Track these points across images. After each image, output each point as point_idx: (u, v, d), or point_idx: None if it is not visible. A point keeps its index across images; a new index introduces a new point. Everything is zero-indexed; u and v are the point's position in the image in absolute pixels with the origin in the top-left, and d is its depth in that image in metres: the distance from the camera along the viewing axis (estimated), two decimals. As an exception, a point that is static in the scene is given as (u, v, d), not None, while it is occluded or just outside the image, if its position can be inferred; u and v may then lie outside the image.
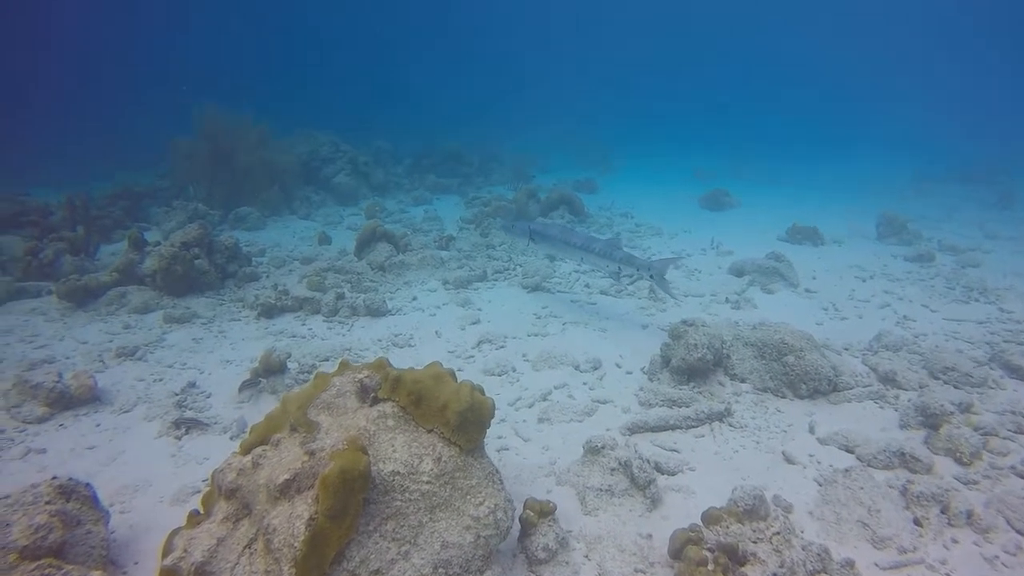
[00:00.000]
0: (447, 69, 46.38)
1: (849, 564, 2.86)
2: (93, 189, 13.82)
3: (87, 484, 3.30)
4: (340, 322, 6.96)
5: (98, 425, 4.79)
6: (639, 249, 10.33)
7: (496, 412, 4.99)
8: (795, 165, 22.26)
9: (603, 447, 3.95)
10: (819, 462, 4.18)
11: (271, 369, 5.23)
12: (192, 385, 5.44)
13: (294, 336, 6.58)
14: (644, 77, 50.23)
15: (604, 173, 20.85)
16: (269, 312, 7.12)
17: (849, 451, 4.28)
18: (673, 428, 4.78)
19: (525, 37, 55.58)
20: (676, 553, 3.05)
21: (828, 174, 20.41)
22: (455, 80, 42.77)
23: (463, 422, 2.97)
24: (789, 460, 4.21)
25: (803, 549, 2.88)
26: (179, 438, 4.59)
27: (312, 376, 3.51)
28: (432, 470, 2.88)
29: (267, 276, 8.62)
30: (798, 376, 5.12)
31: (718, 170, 20.90)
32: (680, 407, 5.07)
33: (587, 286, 8.26)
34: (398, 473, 2.83)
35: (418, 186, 16.26)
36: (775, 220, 12.71)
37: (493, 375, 5.70)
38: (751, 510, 3.45)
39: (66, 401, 4.92)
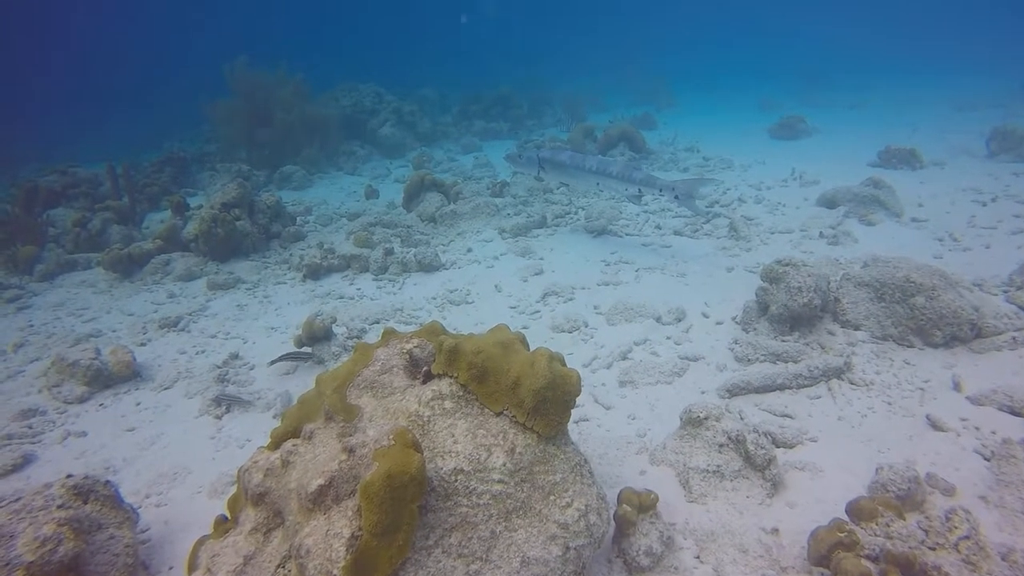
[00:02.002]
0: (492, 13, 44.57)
1: (1072, 578, 2.12)
2: (142, 159, 13.71)
3: (107, 482, 2.86)
4: (390, 280, 6.42)
5: (138, 404, 4.42)
6: (711, 184, 9.33)
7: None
8: (873, 89, 20.14)
9: (706, 418, 3.26)
10: (977, 428, 3.37)
11: (315, 336, 4.72)
12: (235, 357, 5.02)
13: (342, 297, 6.08)
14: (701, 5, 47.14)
15: (662, 108, 19.50)
16: (315, 273, 6.64)
17: (1016, 414, 3.43)
18: (782, 388, 4.03)
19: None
20: (820, 559, 2.37)
21: (912, 96, 18.35)
22: (501, 25, 41.12)
23: (541, 402, 2.33)
24: (936, 426, 3.41)
25: (1003, 559, 2.14)
26: (219, 417, 4.16)
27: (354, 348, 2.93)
28: (504, 465, 2.27)
29: (314, 235, 8.15)
30: (931, 320, 4.24)
31: (786, 99, 19.16)
32: (787, 362, 4.31)
33: (658, 227, 7.42)
34: (462, 471, 2.23)
35: (466, 133, 15.48)
36: (860, 145, 11.36)
37: (563, 332, 5.05)
38: (906, 496, 2.72)
39: (105, 379, 4.57)
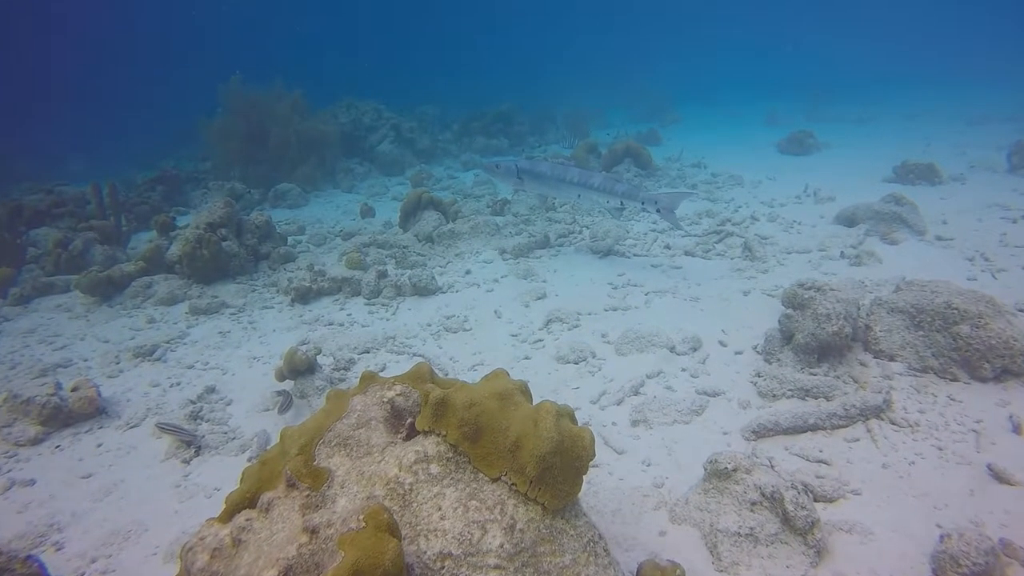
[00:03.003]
0: (494, 30, 44.77)
1: None
2: (139, 177, 13.36)
3: (28, 557, 2.44)
4: (383, 304, 6.01)
5: (99, 445, 4.00)
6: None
7: (576, 412, 3.95)
8: (879, 103, 19.86)
9: (734, 470, 2.84)
10: (1048, 480, 2.94)
11: (297, 369, 4.31)
12: (211, 391, 4.60)
13: (331, 324, 5.68)
14: (704, 20, 47.29)
15: (666, 124, 19.19)
16: (304, 297, 6.24)
17: (1091, 463, 3.01)
18: (814, 428, 3.60)
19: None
20: (889, 659, 1.94)
21: (919, 109, 18.03)
22: (502, 42, 41.22)
23: (547, 469, 1.92)
24: (1001, 478, 2.98)
25: None
26: (187, 461, 3.74)
27: (331, 394, 2.50)
28: (502, 547, 1.85)
29: (306, 255, 7.77)
30: (978, 352, 3.82)
31: (792, 114, 18.87)
32: (817, 398, 3.89)
33: (668, 247, 7.03)
34: (449, 555, 1.81)
35: (467, 150, 15.15)
36: (873, 160, 11.02)
37: (568, 363, 4.63)
38: (983, 573, 2.29)
39: (64, 417, 4.15)
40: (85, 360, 5.41)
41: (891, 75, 26.35)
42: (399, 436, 2.27)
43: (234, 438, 3.97)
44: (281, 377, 4.42)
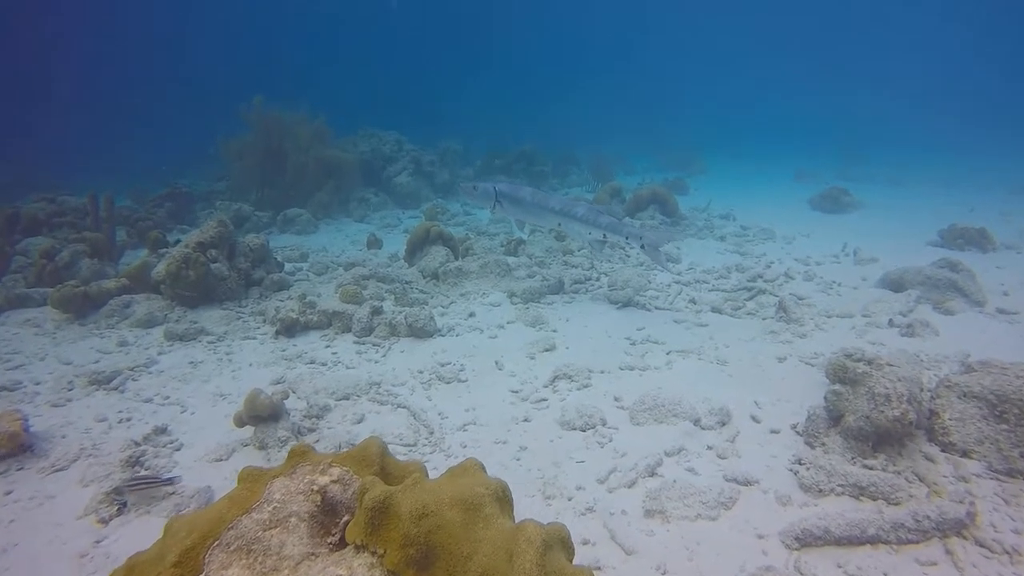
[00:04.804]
0: (524, 75, 45.42)
1: None
2: (152, 192, 13.08)
3: None
4: (374, 345, 5.41)
5: (8, 493, 3.38)
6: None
7: (579, 493, 3.29)
8: (910, 166, 19.25)
9: (782, 603, 2.14)
10: None
11: (258, 415, 3.70)
12: (161, 431, 3.99)
13: (313, 363, 5.08)
14: (733, 74, 47.58)
15: (694, 175, 18.70)
16: (290, 329, 5.67)
17: None
18: (874, 541, 2.88)
19: (602, 38, 53.87)
20: None
21: (954, 174, 17.40)
22: (528, 85, 41.69)
23: (521, 634, 1.27)
24: None
25: None
26: (105, 521, 3.10)
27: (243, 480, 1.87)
28: None
29: (304, 283, 7.23)
30: (1079, 457, 3.11)
31: (822, 171, 18.31)
32: (876, 499, 3.18)
33: (692, 301, 6.38)
34: None
35: (487, 187, 14.74)
36: (914, 222, 10.43)
37: (574, 429, 3.96)
38: None
39: (-22, 455, 3.56)
40: (36, 384, 4.85)
41: (921, 137, 25.86)
42: (328, 541, 1.63)
43: (172, 493, 3.33)
44: (240, 422, 3.81)
